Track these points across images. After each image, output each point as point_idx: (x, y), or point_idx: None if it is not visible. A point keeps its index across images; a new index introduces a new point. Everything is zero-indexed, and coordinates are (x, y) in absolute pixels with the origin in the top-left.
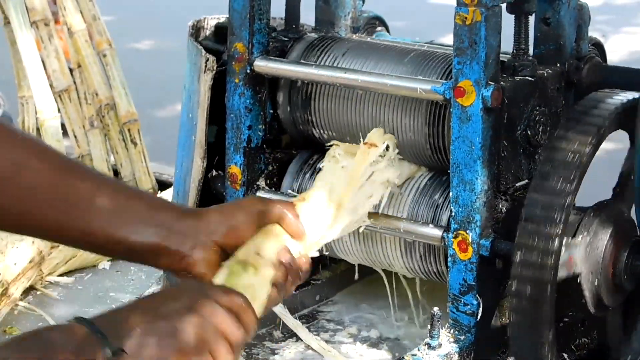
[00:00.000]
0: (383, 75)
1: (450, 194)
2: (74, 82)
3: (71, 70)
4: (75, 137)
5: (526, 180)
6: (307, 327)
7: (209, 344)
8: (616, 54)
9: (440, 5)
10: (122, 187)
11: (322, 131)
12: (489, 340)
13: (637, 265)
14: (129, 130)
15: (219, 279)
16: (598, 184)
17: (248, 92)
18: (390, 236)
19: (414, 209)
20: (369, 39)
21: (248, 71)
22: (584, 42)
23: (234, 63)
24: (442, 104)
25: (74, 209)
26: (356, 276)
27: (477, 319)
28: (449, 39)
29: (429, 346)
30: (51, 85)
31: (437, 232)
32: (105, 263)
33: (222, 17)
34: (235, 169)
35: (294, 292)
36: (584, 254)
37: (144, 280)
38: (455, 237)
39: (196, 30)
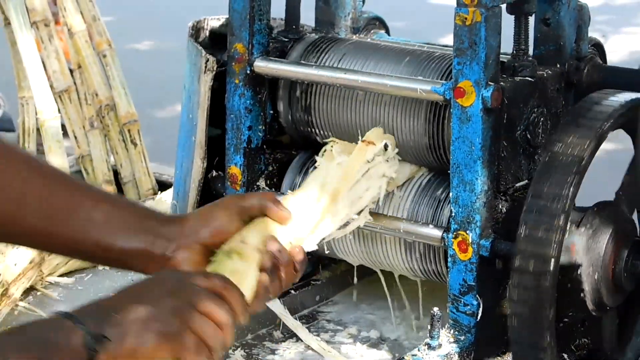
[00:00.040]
0: (383, 76)
1: (450, 194)
2: (74, 83)
3: (71, 71)
4: (75, 137)
5: (526, 181)
6: (307, 328)
7: (193, 326)
8: (616, 54)
9: (440, 6)
10: (108, 195)
11: (322, 132)
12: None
13: (637, 265)
14: (129, 130)
15: (207, 270)
16: (598, 184)
17: (248, 93)
18: (391, 237)
19: (414, 209)
20: (369, 40)
21: (248, 72)
22: (584, 42)
23: (234, 64)
24: (442, 105)
25: (63, 218)
26: (355, 280)
27: (477, 319)
28: (449, 39)
29: (429, 346)
30: (51, 86)
31: (437, 233)
32: None
33: (222, 18)
34: (235, 170)
35: (294, 292)
36: (585, 245)
37: None
38: (455, 237)
39: (196, 31)
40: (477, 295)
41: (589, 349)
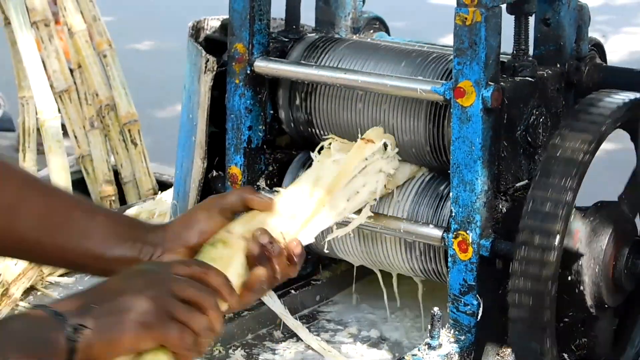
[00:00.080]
0: (383, 76)
1: (451, 194)
2: (74, 83)
3: (71, 71)
4: (75, 137)
5: (526, 181)
6: (307, 327)
7: (173, 313)
8: (616, 54)
9: (440, 6)
10: (99, 207)
11: (322, 132)
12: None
13: (637, 264)
14: (129, 130)
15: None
16: (598, 184)
17: (248, 93)
18: (391, 236)
19: (414, 209)
20: (369, 40)
21: (248, 72)
22: (584, 42)
23: (234, 64)
24: (442, 105)
25: (55, 229)
26: (354, 280)
27: (477, 319)
28: (449, 39)
29: (429, 346)
30: (51, 86)
31: (437, 233)
32: None
33: (222, 18)
34: (235, 170)
35: (294, 292)
36: (588, 236)
37: None
38: (456, 237)
39: (196, 31)
40: (477, 295)
41: (589, 349)
